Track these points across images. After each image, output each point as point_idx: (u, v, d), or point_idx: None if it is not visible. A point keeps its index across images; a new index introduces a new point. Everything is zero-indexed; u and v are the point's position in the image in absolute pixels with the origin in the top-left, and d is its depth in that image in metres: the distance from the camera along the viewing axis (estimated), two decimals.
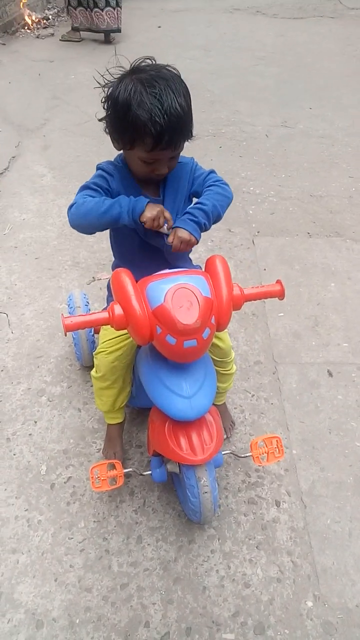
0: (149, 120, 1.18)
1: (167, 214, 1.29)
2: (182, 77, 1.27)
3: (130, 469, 1.59)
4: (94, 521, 1.62)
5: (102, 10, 5.56)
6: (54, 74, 5.08)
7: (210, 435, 1.33)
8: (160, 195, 1.41)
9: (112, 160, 1.41)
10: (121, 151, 1.37)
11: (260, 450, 1.58)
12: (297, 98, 4.48)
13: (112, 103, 1.25)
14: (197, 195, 1.41)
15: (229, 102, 4.41)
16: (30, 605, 1.44)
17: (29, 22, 6.40)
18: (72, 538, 1.58)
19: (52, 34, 6.26)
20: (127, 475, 1.68)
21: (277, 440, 1.59)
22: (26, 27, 6.46)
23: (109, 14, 5.61)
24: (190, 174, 1.43)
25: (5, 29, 6.24)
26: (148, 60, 1.28)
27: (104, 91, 1.30)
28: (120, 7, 5.68)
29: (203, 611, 1.43)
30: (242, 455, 1.64)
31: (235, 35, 6.03)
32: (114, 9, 5.59)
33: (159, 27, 6.43)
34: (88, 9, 5.59)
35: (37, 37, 6.24)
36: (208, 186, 1.39)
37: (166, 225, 1.29)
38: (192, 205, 1.36)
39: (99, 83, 1.31)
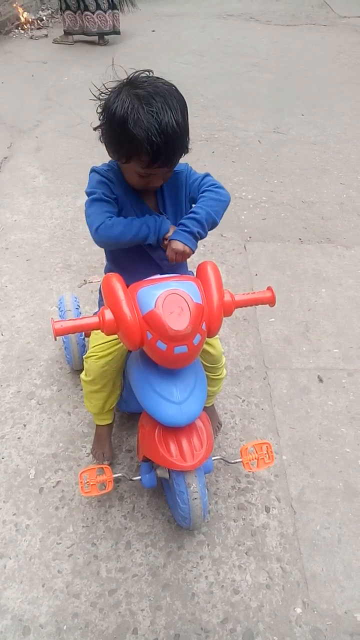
0: (145, 140, 1.17)
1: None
2: (178, 90, 1.26)
3: (120, 474, 1.59)
4: (83, 526, 1.61)
5: (93, 13, 5.57)
6: (48, 76, 5.07)
7: (201, 441, 1.33)
8: (158, 203, 1.41)
9: (108, 163, 1.39)
10: None
11: (251, 456, 1.58)
12: (290, 104, 4.50)
13: (109, 116, 1.23)
14: (194, 201, 1.41)
15: (222, 107, 4.42)
16: (17, 611, 1.43)
17: (23, 20, 6.37)
18: (60, 543, 1.57)
19: (46, 35, 6.24)
20: (116, 480, 1.68)
21: (267, 447, 1.60)
22: (20, 28, 6.43)
23: (100, 17, 5.61)
24: (185, 181, 1.42)
25: None
26: (146, 72, 1.27)
27: (99, 100, 1.29)
28: (119, 10, 5.68)
29: (192, 617, 1.43)
30: (232, 461, 1.64)
31: (229, 41, 6.06)
32: (105, 12, 5.60)
33: (153, 31, 6.43)
34: (78, 12, 5.60)
35: (31, 38, 6.22)
36: (203, 192, 1.38)
37: None
38: (185, 215, 1.36)
39: (94, 95, 1.29)
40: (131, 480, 1.62)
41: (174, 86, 1.25)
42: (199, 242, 1.38)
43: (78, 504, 1.66)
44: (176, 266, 1.50)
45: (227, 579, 1.50)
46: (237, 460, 1.61)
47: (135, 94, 1.18)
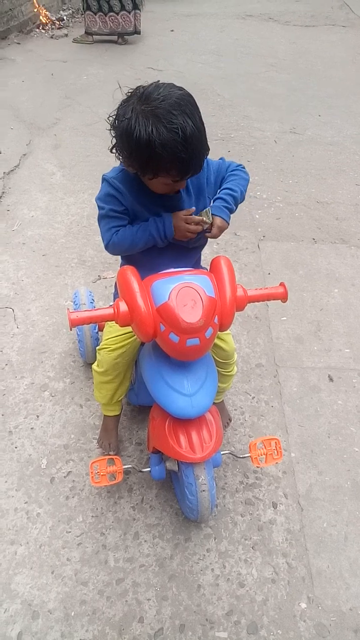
0: (175, 159, 1.18)
1: (195, 218, 1.36)
2: (188, 92, 1.24)
3: (130, 466, 1.61)
4: (92, 516, 1.64)
5: (118, 14, 5.64)
6: (67, 74, 5.12)
7: (210, 434, 1.35)
8: (187, 194, 1.41)
9: (119, 167, 1.37)
10: None
11: (259, 452, 1.60)
12: (307, 105, 4.50)
13: (133, 141, 1.18)
14: (222, 181, 1.46)
15: (238, 107, 4.43)
16: (27, 596, 1.46)
17: (44, 21, 6.45)
18: (70, 532, 1.60)
19: (66, 35, 6.30)
20: (126, 472, 1.71)
21: (276, 442, 1.61)
22: (41, 27, 6.51)
23: (124, 18, 5.68)
24: (206, 173, 1.43)
25: (20, 29, 6.29)
26: (154, 82, 1.24)
27: (113, 127, 1.27)
28: (140, 10, 5.74)
29: (197, 609, 1.45)
30: (241, 456, 1.65)
31: (247, 41, 6.07)
32: (130, 12, 5.66)
33: (172, 30, 6.46)
34: (99, 13, 5.67)
35: (52, 37, 6.29)
36: (232, 171, 1.45)
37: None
38: (221, 190, 1.42)
39: (108, 123, 1.28)
40: (141, 472, 1.64)
41: (184, 89, 1.24)
42: (213, 240, 1.43)
43: (88, 494, 1.69)
44: (190, 260, 1.53)
45: (233, 572, 1.52)
46: (246, 455, 1.62)
47: (153, 114, 1.15)
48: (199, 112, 1.23)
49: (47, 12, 6.65)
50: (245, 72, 5.18)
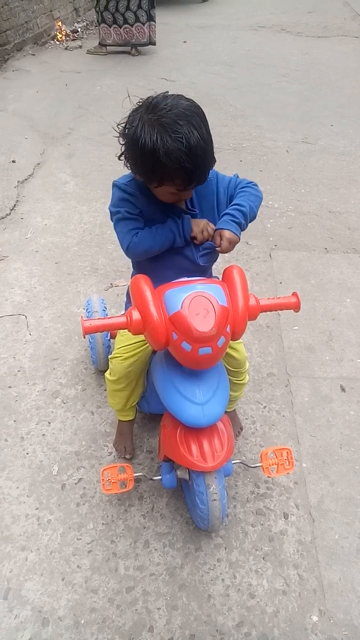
0: (179, 169, 1.20)
1: (211, 225, 1.38)
2: (196, 103, 1.25)
3: (141, 474, 1.61)
4: (103, 523, 1.64)
5: (132, 25, 5.73)
6: (81, 85, 5.20)
7: (222, 443, 1.35)
8: (187, 201, 1.43)
9: (129, 174, 1.39)
10: None
11: (270, 462, 1.59)
12: (319, 115, 4.51)
13: (138, 149, 1.22)
14: (231, 198, 1.45)
15: (250, 117, 4.46)
16: (37, 602, 1.46)
17: (60, 35, 6.57)
18: (80, 539, 1.60)
19: (80, 46, 6.41)
20: (137, 480, 1.71)
21: (287, 452, 1.60)
22: (55, 39, 6.63)
23: (138, 29, 5.77)
24: (217, 187, 1.45)
25: (35, 40, 6.41)
26: (163, 93, 1.27)
27: (122, 135, 1.29)
28: (154, 22, 5.83)
29: (207, 619, 1.44)
30: (252, 466, 1.65)
31: (260, 52, 6.12)
32: (144, 24, 5.75)
33: (185, 42, 6.54)
34: (115, 26, 5.76)
35: (66, 49, 6.40)
36: (242, 187, 1.44)
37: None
38: (230, 206, 1.41)
39: (116, 130, 1.31)
40: (151, 480, 1.64)
41: (192, 101, 1.26)
42: None
43: (99, 502, 1.70)
44: (202, 269, 1.53)
45: (244, 583, 1.51)
46: (257, 465, 1.61)
47: (159, 123, 1.18)
48: (207, 123, 1.25)
49: (63, 25, 6.77)
50: (257, 83, 5.22)
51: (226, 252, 1.39)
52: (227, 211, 1.39)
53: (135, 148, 1.22)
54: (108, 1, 5.63)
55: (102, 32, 5.92)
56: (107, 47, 6.04)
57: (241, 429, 1.89)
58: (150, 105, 1.22)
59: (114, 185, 1.41)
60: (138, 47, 6.02)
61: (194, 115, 1.20)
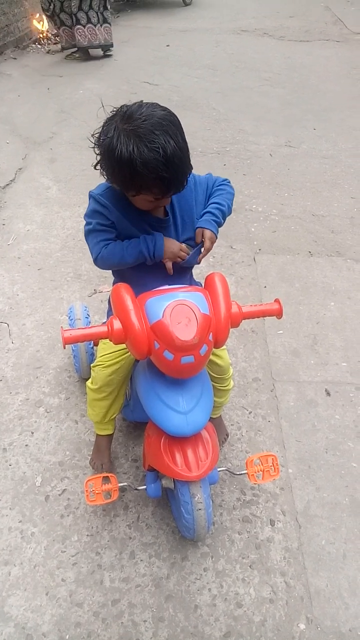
0: (157, 178, 1.19)
1: (184, 247, 1.41)
2: (172, 112, 1.25)
3: (125, 484, 1.59)
4: (88, 535, 1.61)
5: (84, 27, 5.67)
6: (63, 89, 5.17)
7: (206, 451, 1.33)
8: (168, 214, 1.42)
9: (105, 182, 1.38)
10: None
11: (256, 468, 1.58)
12: (302, 119, 4.54)
13: (115, 159, 1.21)
14: (209, 197, 1.48)
15: (234, 121, 4.47)
16: (21, 619, 1.43)
17: (40, 30, 6.48)
18: (64, 551, 1.57)
19: (62, 50, 6.37)
20: (121, 490, 1.68)
21: (272, 459, 1.59)
22: (37, 43, 6.58)
23: (90, 31, 5.73)
24: (194, 187, 1.45)
25: (16, 44, 6.36)
26: (137, 102, 1.25)
27: (96, 145, 1.29)
28: (108, 24, 5.83)
29: (194, 630, 1.42)
30: (238, 473, 1.64)
31: (242, 56, 6.14)
32: (95, 25, 5.72)
33: (167, 45, 6.54)
34: (78, 26, 5.69)
35: (47, 53, 6.36)
36: (218, 186, 1.48)
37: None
38: (209, 204, 1.44)
39: (91, 142, 1.31)
40: (136, 489, 1.62)
41: (168, 109, 1.25)
42: (209, 254, 1.45)
43: (83, 513, 1.67)
44: (181, 277, 1.52)
45: (231, 592, 1.49)
46: (243, 472, 1.60)
47: (135, 133, 1.17)
48: (182, 131, 1.25)
49: (45, 25, 6.71)
50: (240, 87, 5.24)
51: (207, 252, 1.42)
52: (208, 209, 1.43)
53: (112, 158, 1.21)
54: (62, 2, 5.54)
55: (64, 35, 5.83)
56: (88, 50, 5.98)
57: (227, 435, 1.88)
58: (125, 115, 1.21)
59: (90, 195, 1.41)
60: (110, 49, 6.01)
61: (169, 125, 1.19)
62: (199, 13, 8.39)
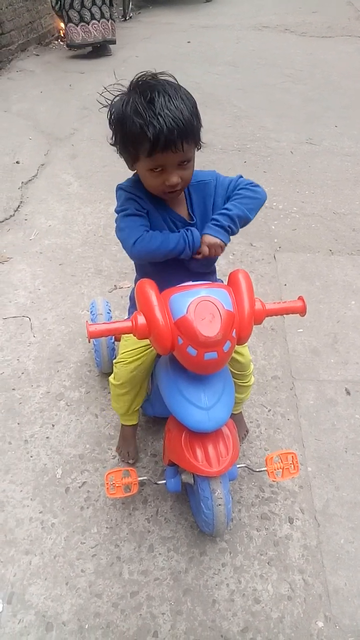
0: (143, 125, 1.16)
1: (220, 244, 1.36)
2: (185, 89, 1.25)
3: (145, 478, 1.61)
4: (107, 527, 1.63)
5: (88, 24, 5.70)
6: (84, 85, 5.20)
7: (227, 447, 1.34)
8: (189, 210, 1.41)
9: (132, 177, 1.39)
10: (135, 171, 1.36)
11: (275, 466, 1.58)
12: (323, 116, 4.50)
13: (114, 120, 1.25)
14: (228, 200, 1.41)
15: (255, 117, 4.45)
16: (41, 607, 1.46)
17: (62, 27, 6.54)
18: (84, 543, 1.60)
19: (69, 48, 6.39)
20: (141, 484, 1.70)
21: (292, 457, 1.59)
22: (59, 39, 6.62)
23: (94, 27, 5.76)
24: (215, 190, 1.41)
25: (39, 41, 6.41)
26: (151, 74, 1.27)
27: (107, 115, 1.29)
28: (111, 20, 5.85)
29: (212, 624, 1.43)
30: (257, 470, 1.64)
31: (263, 52, 6.10)
32: (98, 21, 5.75)
33: (189, 42, 6.53)
34: (82, 24, 5.71)
35: (70, 49, 6.39)
36: (239, 189, 1.38)
37: None
38: (218, 211, 1.38)
39: (100, 103, 1.31)
40: (156, 484, 1.64)
41: (175, 80, 1.26)
42: (229, 251, 1.39)
43: (103, 505, 1.69)
44: (206, 276, 1.52)
45: (249, 588, 1.50)
46: (262, 469, 1.61)
47: (134, 90, 1.22)
48: (188, 99, 1.23)
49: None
50: (261, 83, 5.21)
51: (210, 257, 1.36)
52: (213, 216, 1.37)
53: (113, 118, 1.25)
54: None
55: (69, 32, 5.84)
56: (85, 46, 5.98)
57: (247, 431, 1.88)
58: (132, 83, 1.24)
59: (119, 188, 1.39)
60: (108, 46, 6.01)
61: (170, 87, 1.20)
62: (220, 9, 8.36)
